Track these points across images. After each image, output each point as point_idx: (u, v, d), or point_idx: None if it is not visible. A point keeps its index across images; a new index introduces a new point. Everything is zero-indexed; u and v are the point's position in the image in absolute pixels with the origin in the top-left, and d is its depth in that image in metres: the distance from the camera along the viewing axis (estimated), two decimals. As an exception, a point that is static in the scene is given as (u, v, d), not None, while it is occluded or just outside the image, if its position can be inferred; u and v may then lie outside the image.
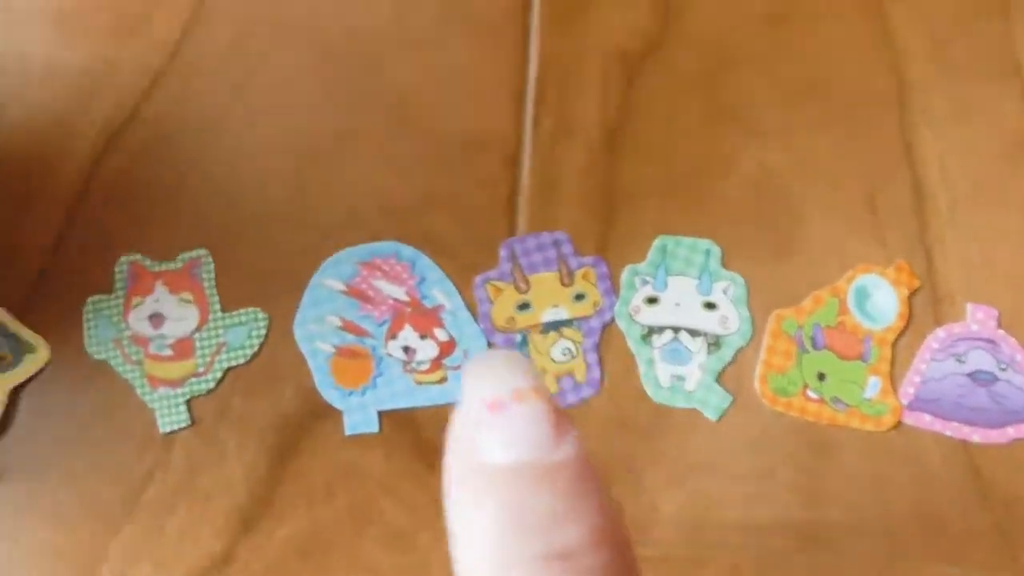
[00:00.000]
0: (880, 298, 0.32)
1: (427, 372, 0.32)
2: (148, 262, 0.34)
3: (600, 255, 0.33)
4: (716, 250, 0.33)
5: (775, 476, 0.31)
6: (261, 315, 0.33)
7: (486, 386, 0.20)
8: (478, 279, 0.33)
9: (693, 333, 0.32)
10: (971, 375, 0.31)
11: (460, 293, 0.33)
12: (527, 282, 0.33)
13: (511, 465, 0.18)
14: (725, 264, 0.33)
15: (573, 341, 0.32)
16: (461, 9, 0.35)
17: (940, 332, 0.32)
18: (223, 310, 0.33)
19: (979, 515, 0.30)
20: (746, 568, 0.30)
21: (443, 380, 0.32)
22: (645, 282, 0.33)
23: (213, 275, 0.33)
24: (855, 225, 0.33)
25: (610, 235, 0.33)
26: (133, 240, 0.34)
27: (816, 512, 0.30)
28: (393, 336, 0.33)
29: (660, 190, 0.34)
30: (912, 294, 0.32)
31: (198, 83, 0.35)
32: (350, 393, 0.32)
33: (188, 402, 0.33)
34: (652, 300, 0.32)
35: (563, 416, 0.21)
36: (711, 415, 0.31)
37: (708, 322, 0.32)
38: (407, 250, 0.33)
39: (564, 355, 0.32)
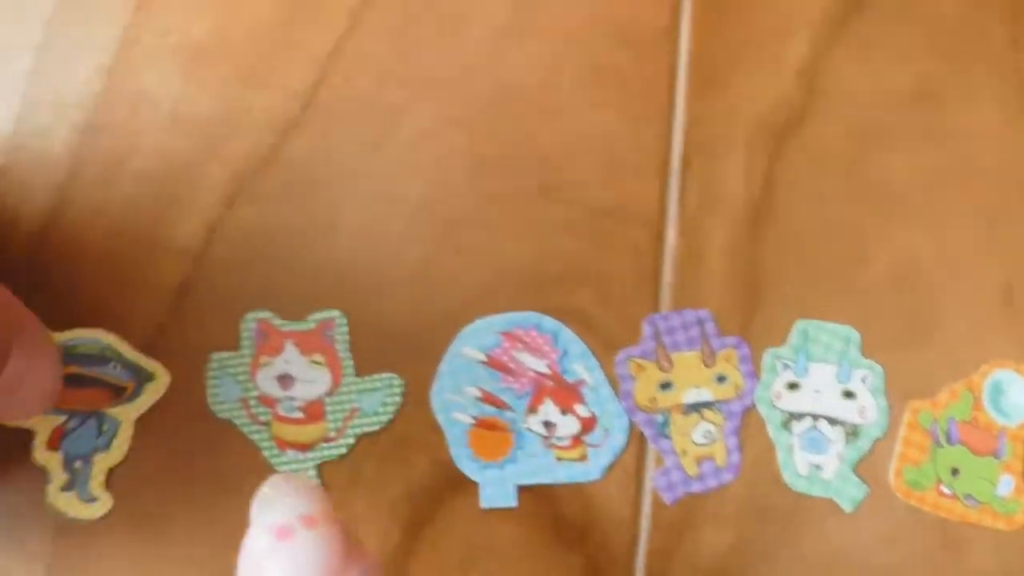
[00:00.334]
0: (1014, 395, 0.33)
1: (567, 448, 0.32)
2: (277, 320, 0.32)
3: (742, 336, 0.33)
4: (856, 336, 0.33)
5: (908, 571, 0.32)
6: (397, 381, 0.32)
7: (275, 512, 0.19)
8: (620, 355, 0.32)
9: (832, 422, 0.32)
10: (1093, 474, 0.32)
11: (602, 368, 0.32)
12: (670, 361, 0.32)
13: None
14: (864, 352, 0.33)
15: (714, 424, 0.32)
16: (611, 72, 0.33)
17: (1066, 430, 0.33)
18: (356, 374, 0.32)
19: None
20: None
21: (583, 457, 0.32)
22: (786, 367, 0.33)
23: (347, 337, 0.32)
24: (992, 317, 0.33)
25: (753, 316, 0.33)
26: (260, 296, 0.32)
27: (944, 606, 0.31)
28: (533, 410, 0.32)
29: (802, 271, 0.33)
30: (1044, 391, 0.33)
31: (334, 135, 0.33)
32: (488, 466, 0.32)
33: (318, 467, 0.32)
34: (793, 386, 0.32)
35: (355, 543, 0.20)
36: (846, 506, 0.32)
37: (847, 411, 0.32)
38: (549, 322, 0.32)
39: (705, 438, 0.32)
